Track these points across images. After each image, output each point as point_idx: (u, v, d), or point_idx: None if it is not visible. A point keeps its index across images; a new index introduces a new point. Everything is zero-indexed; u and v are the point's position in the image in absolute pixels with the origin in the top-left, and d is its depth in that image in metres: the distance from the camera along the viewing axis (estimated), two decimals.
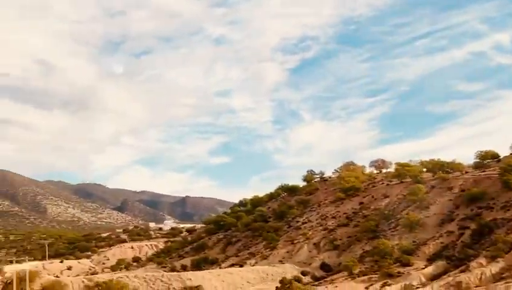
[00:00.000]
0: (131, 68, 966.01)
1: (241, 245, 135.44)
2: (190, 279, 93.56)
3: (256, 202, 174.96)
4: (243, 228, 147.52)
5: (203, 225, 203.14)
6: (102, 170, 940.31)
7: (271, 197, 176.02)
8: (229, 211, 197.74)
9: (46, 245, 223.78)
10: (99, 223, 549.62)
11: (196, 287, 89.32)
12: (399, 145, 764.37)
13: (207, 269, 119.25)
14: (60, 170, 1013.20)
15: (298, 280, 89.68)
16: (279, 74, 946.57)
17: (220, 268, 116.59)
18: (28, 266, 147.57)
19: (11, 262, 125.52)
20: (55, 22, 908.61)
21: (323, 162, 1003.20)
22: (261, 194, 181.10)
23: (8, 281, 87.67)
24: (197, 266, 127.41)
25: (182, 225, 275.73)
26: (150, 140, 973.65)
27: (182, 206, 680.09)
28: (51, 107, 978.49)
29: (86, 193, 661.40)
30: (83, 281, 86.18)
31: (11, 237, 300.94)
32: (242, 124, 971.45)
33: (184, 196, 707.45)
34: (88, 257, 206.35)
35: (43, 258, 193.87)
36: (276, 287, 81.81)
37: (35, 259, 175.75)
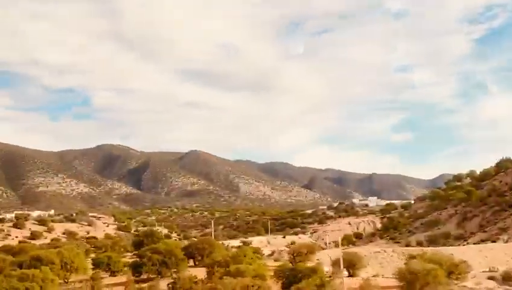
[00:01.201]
0: (311, 47, 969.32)
1: (482, 220, 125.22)
2: (452, 254, 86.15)
3: (483, 175, 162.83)
4: (477, 202, 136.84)
5: (415, 201, 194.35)
6: (285, 148, 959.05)
7: (498, 170, 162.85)
8: (443, 186, 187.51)
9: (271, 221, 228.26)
10: (289, 201, 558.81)
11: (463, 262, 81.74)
12: None
13: (445, 245, 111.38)
14: (247, 149, 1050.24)
15: None
16: (463, 46, 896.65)
17: (467, 244, 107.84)
18: (257, 240, 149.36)
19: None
20: (238, 5, 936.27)
21: None
22: (478, 169, 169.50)
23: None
24: (434, 241, 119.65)
25: (394, 202, 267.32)
26: (330, 118, 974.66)
27: (368, 184, 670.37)
28: (235, 89, 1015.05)
29: (273, 172, 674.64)
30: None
31: (217, 214, 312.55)
32: (424, 99, 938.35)
33: (370, 173, 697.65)
34: (297, 233, 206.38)
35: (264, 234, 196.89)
36: None
37: (258, 234, 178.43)
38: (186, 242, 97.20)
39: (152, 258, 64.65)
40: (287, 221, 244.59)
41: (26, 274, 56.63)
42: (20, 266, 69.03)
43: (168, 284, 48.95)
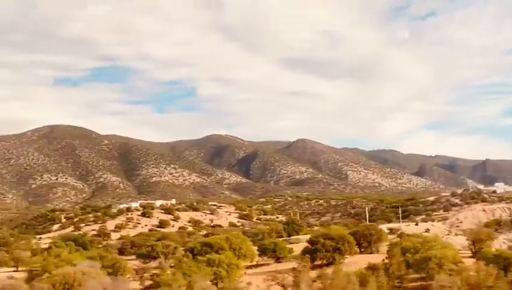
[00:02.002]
0: (416, 32, 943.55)
1: None
2: None
3: None
4: None
5: None
6: (391, 135, 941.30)
7: None
8: None
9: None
10: (399, 188, 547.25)
11: None
12: None
13: None
14: (351, 137, 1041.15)
15: None
16: None
17: None
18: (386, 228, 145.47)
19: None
20: None
21: None
22: None
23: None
24: None
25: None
26: (437, 103, 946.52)
27: (482, 170, 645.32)
28: (337, 76, 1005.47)
29: (381, 159, 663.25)
30: None
31: (333, 202, 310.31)
32: None
33: (484, 159, 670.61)
34: (425, 220, 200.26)
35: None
36: None
37: (389, 222, 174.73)
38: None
39: (325, 245, 63.51)
40: (408, 208, 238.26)
41: (212, 259, 57.19)
42: (191, 251, 70.22)
43: None
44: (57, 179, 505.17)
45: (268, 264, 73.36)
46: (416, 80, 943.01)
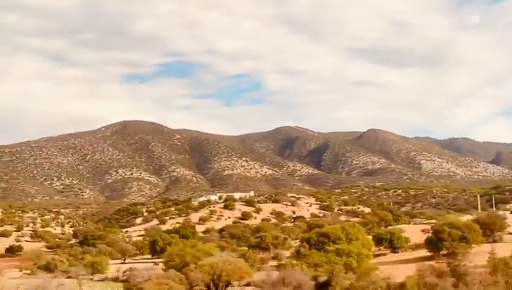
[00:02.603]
0: (487, 16, 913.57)
1: None
2: None
3: None
4: None
5: None
6: (464, 123, 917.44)
7: None
8: None
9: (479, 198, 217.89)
10: (475, 177, 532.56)
11: None
12: None
13: None
14: (422, 126, 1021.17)
15: None
16: None
17: None
18: None
19: None
20: None
21: None
22: None
23: None
24: None
25: None
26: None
27: None
28: (406, 65, 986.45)
29: (455, 147, 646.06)
30: None
31: (411, 192, 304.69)
32: None
33: None
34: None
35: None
36: None
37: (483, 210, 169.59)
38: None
39: (451, 234, 61.25)
40: (497, 197, 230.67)
41: (342, 249, 55.99)
42: (308, 242, 69.20)
43: None
44: (131, 173, 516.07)
45: (384, 255, 71.69)
46: (488, 65, 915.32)
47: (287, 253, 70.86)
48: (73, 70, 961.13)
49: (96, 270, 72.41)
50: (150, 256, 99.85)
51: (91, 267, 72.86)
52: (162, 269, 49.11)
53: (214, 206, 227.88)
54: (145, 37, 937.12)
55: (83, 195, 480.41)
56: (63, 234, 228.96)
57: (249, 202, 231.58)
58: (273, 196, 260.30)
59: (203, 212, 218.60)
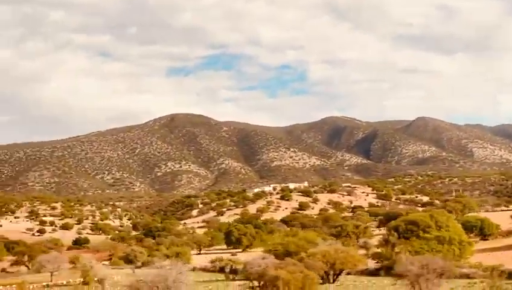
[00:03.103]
0: None
1: None
2: None
3: None
4: None
5: None
6: None
7: None
8: None
9: None
10: None
11: None
12: None
13: None
14: (472, 113, 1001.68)
15: None
16: None
17: None
18: None
19: None
20: None
21: None
22: None
23: None
24: None
25: None
26: None
27: None
28: (454, 51, 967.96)
29: (507, 134, 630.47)
30: None
31: (468, 180, 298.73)
32: None
33: None
34: None
35: None
36: None
37: None
38: None
39: None
40: None
41: (443, 237, 54.48)
42: (396, 230, 67.67)
43: None
44: (180, 166, 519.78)
45: (475, 242, 69.68)
46: None
47: (374, 241, 69.49)
48: (118, 65, 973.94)
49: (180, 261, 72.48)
50: (224, 246, 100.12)
51: (176, 257, 72.86)
52: (275, 257, 48.20)
53: (270, 197, 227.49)
54: (188, 30, 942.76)
55: (133, 188, 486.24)
56: (121, 226, 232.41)
57: (305, 193, 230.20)
58: (328, 186, 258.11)
59: (260, 203, 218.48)
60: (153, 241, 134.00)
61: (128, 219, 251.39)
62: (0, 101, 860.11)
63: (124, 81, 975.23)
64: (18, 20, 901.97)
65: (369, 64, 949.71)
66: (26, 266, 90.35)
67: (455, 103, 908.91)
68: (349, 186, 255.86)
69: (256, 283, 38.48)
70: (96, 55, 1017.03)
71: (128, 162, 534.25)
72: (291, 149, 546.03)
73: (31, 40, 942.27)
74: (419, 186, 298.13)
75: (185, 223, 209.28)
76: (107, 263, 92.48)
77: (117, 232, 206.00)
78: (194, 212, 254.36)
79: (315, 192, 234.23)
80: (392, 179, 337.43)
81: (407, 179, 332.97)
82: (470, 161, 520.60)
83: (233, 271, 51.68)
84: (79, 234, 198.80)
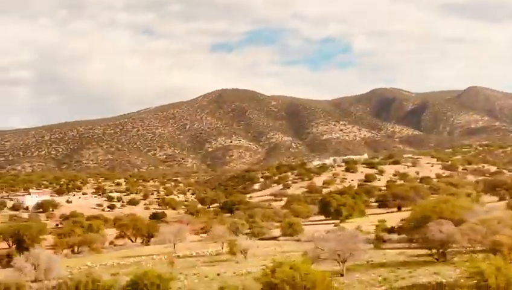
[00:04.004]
0: None
1: None
2: None
3: None
4: None
5: None
6: None
7: None
8: None
9: None
10: None
11: None
12: None
13: None
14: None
15: None
16: None
17: None
18: None
19: None
20: None
21: None
22: None
23: None
24: None
25: None
26: None
27: None
28: (503, 18, 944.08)
29: None
30: None
31: None
32: None
33: None
34: None
35: None
36: None
37: None
38: None
39: None
40: None
41: None
42: None
43: None
44: (231, 141, 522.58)
45: None
46: None
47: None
48: (162, 42, 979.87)
49: (294, 232, 73.05)
50: (318, 218, 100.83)
51: (289, 228, 73.69)
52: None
53: (335, 169, 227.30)
54: (230, 6, 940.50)
55: (185, 164, 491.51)
56: (186, 201, 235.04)
57: (369, 164, 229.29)
58: (389, 157, 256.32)
59: (326, 175, 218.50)
60: (230, 214, 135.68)
61: (192, 194, 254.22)
62: (49, 81, 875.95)
63: (168, 59, 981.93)
64: (63, 1, 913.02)
65: (415, 34, 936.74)
66: (130, 239, 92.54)
67: (505, 71, 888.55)
68: (411, 157, 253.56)
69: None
70: (140, 34, 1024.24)
71: (179, 138, 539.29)
72: (341, 122, 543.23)
73: (76, 20, 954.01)
74: (480, 156, 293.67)
75: (250, 196, 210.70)
76: (204, 235, 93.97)
77: (183, 207, 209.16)
78: (256, 186, 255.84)
79: (378, 164, 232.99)
80: (450, 150, 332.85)
81: (466, 149, 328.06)
82: None
83: (379, 238, 51.76)
84: (147, 209, 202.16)
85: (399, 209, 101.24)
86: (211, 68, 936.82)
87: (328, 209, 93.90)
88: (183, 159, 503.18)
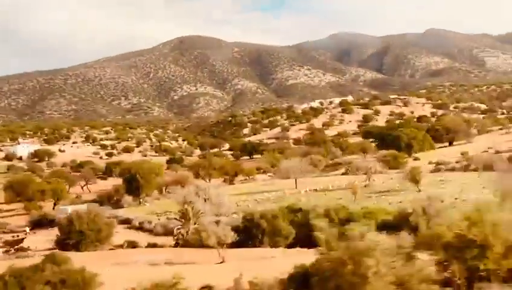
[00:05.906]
0: None
1: None
2: None
3: None
4: None
5: None
6: None
7: None
8: None
9: None
10: None
11: None
12: None
13: None
14: (478, 21, 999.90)
15: None
16: None
17: None
18: None
19: None
20: None
21: None
22: None
23: None
24: None
25: None
26: None
27: None
28: None
29: None
30: None
31: (506, 86, 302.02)
32: None
33: None
34: None
35: None
36: None
37: None
38: None
39: None
40: None
41: None
42: None
43: None
44: (196, 89, 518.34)
45: None
46: None
47: None
48: None
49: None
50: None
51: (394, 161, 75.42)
52: None
53: (331, 111, 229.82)
54: None
55: (152, 113, 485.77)
56: (180, 147, 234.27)
57: (365, 105, 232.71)
58: (378, 98, 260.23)
59: (324, 117, 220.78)
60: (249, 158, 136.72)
61: (183, 140, 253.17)
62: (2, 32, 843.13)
63: (127, 7, 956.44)
64: None
65: None
66: (203, 179, 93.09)
67: (463, 13, 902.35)
68: (398, 98, 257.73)
69: None
70: None
71: (143, 87, 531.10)
72: (305, 67, 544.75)
73: None
74: (457, 95, 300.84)
75: (249, 141, 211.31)
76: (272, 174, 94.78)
77: (179, 153, 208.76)
78: (245, 130, 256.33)
79: (371, 105, 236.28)
80: (424, 91, 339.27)
81: (440, 90, 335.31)
82: (484, 71, 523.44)
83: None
84: (144, 156, 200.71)
85: (450, 144, 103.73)
86: (169, 17, 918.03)
87: (398, 143, 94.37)
88: (149, 108, 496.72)
